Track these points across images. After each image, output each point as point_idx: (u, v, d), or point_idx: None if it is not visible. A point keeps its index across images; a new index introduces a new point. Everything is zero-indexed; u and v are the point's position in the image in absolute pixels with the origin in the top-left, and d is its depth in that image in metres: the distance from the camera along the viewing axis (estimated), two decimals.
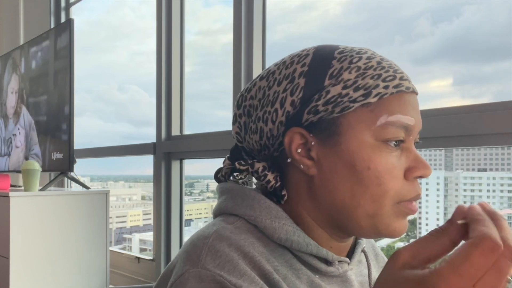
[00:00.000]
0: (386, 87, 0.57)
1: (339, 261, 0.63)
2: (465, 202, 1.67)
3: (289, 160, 0.61)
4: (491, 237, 0.40)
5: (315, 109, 0.58)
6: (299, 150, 0.60)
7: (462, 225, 0.44)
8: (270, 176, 0.62)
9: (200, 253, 0.57)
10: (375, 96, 0.57)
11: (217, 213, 0.67)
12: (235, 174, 0.70)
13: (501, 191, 1.59)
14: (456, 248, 0.43)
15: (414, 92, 0.60)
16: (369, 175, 0.56)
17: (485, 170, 1.61)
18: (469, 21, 1.51)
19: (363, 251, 0.70)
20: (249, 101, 0.65)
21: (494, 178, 1.59)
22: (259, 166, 0.63)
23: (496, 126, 1.14)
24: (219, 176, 0.70)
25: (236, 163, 0.65)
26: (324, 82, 0.58)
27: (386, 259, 0.78)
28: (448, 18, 1.55)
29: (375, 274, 0.71)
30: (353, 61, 0.58)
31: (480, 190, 1.63)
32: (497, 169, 1.58)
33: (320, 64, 0.59)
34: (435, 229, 0.45)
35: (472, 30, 1.51)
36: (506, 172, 1.57)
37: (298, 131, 0.59)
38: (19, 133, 2.65)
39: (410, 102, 0.59)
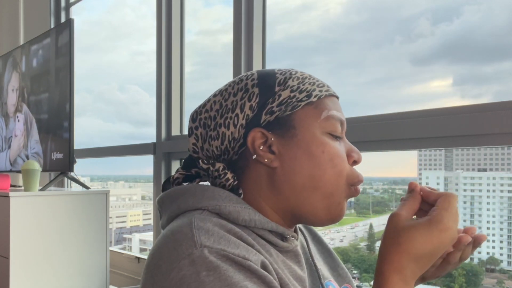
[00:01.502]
0: (320, 91, 0.72)
1: (291, 237, 0.73)
2: (465, 202, 1.67)
3: (254, 157, 0.70)
4: (454, 193, 0.65)
5: (271, 110, 0.70)
6: (261, 147, 0.70)
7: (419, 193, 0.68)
8: (229, 175, 0.71)
9: (193, 235, 0.60)
10: (315, 96, 0.71)
11: (178, 212, 0.69)
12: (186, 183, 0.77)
13: (501, 191, 1.59)
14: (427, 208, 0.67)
15: (338, 97, 0.76)
16: (324, 158, 0.69)
17: (485, 170, 1.61)
18: (469, 21, 1.51)
19: (299, 229, 0.82)
20: (204, 114, 0.75)
21: (494, 178, 1.60)
22: (219, 165, 0.72)
23: (496, 126, 1.14)
24: (168, 186, 0.77)
25: (200, 161, 0.72)
26: (275, 88, 0.71)
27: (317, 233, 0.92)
28: (448, 18, 1.55)
29: (312, 247, 0.83)
30: (292, 73, 0.73)
31: (480, 190, 1.63)
32: (497, 169, 1.58)
33: (267, 77, 0.73)
34: (407, 196, 0.68)
35: (472, 30, 1.51)
36: (506, 172, 1.57)
37: (259, 131, 0.70)
38: (18, 120, 2.64)
39: (338, 104, 0.75)
